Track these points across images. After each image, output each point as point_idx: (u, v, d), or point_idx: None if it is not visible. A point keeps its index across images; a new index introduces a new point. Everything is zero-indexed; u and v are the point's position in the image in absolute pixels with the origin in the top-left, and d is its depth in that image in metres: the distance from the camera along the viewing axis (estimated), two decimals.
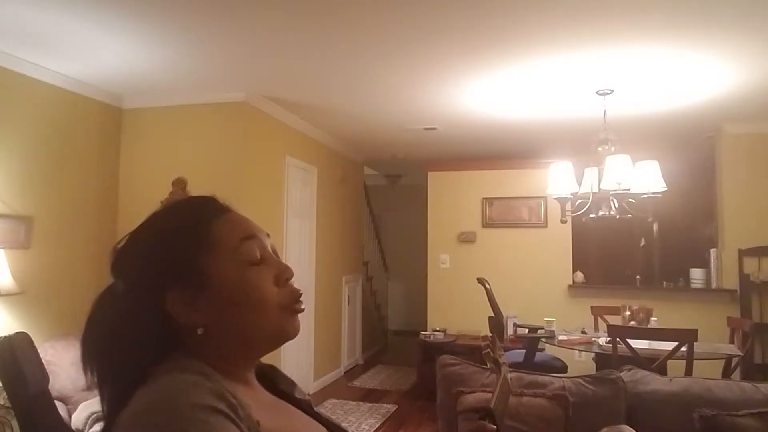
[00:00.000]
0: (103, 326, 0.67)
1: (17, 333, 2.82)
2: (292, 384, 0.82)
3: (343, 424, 0.83)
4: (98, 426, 3.00)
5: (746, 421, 1.75)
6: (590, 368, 4.05)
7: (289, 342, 0.74)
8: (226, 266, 0.68)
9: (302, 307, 0.73)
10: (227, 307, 0.68)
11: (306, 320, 5.09)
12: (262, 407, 0.67)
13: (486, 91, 4.01)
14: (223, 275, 0.68)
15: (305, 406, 0.80)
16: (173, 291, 0.67)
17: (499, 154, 6.20)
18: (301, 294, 0.73)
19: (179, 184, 4.15)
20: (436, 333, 5.41)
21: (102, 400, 0.67)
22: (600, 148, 3.81)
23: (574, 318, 4.91)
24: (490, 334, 1.10)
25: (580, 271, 5.68)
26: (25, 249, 3.42)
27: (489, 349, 1.02)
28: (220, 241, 0.70)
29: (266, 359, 0.79)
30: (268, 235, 0.76)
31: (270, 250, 0.74)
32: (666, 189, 3.64)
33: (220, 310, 0.67)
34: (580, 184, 3.84)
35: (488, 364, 1.01)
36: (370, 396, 5.20)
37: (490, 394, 0.88)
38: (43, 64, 3.49)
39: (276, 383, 0.80)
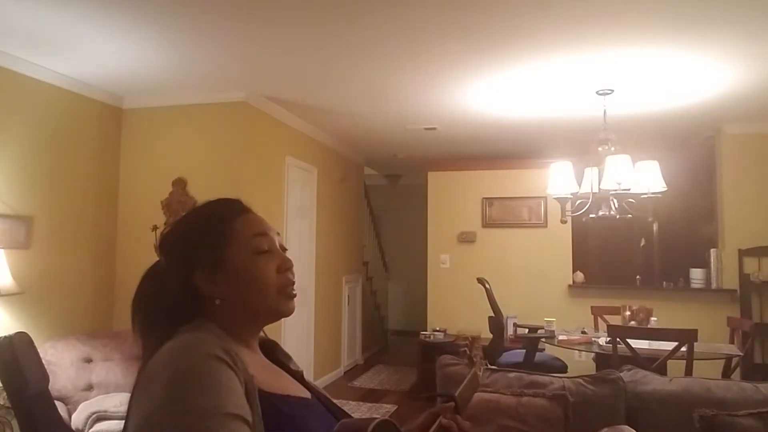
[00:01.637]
0: (149, 291, 0.89)
1: (17, 333, 2.83)
2: (288, 357, 1.00)
3: (327, 394, 1.01)
4: (99, 426, 3.00)
5: (746, 421, 1.76)
6: (590, 368, 4.05)
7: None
8: (240, 254, 0.89)
9: (294, 292, 0.91)
10: (238, 284, 0.87)
11: (306, 320, 5.09)
12: (259, 367, 0.85)
13: (486, 91, 4.01)
14: (237, 260, 0.88)
15: (297, 377, 0.97)
16: (200, 269, 0.87)
17: (499, 154, 6.20)
18: (293, 282, 0.92)
19: (179, 184, 4.15)
20: (436, 333, 5.41)
21: (142, 349, 0.84)
22: (600, 148, 3.81)
23: (574, 318, 4.92)
24: (471, 336, 1.18)
25: (580, 271, 5.68)
26: (25, 249, 3.42)
27: (466, 347, 1.14)
28: (239, 234, 0.90)
29: None
30: (278, 233, 0.96)
31: (277, 245, 0.93)
32: (666, 189, 3.64)
33: (233, 286, 0.87)
34: (580, 184, 3.84)
35: (465, 362, 1.12)
36: (370, 396, 5.20)
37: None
38: (43, 64, 3.49)
39: (275, 354, 0.99)
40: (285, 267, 0.92)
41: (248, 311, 0.88)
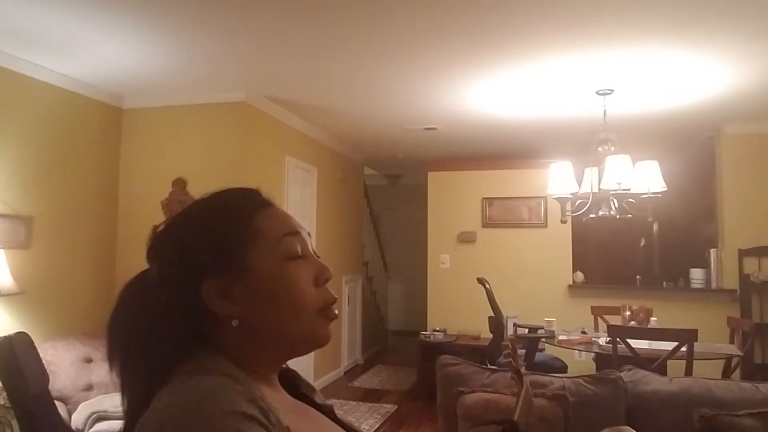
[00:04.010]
0: (135, 314, 0.65)
1: (17, 333, 2.82)
2: (313, 389, 0.80)
3: (361, 425, 0.79)
4: (99, 426, 3.00)
5: (746, 421, 1.75)
6: (590, 368, 4.06)
7: None
8: (266, 258, 0.67)
9: (336, 313, 0.70)
10: (264, 300, 0.66)
11: None
12: (288, 410, 0.64)
13: (486, 91, 4.01)
14: (262, 267, 0.66)
15: (326, 412, 0.77)
16: (210, 280, 0.65)
17: (499, 154, 6.20)
18: (336, 300, 0.71)
19: (179, 184, 4.15)
20: (436, 333, 5.41)
21: (123, 396, 0.64)
22: (600, 148, 3.81)
23: (574, 318, 4.92)
24: (509, 343, 1.04)
25: (580, 271, 5.68)
26: (25, 249, 3.42)
27: (511, 359, 0.98)
28: (262, 233, 0.68)
29: None
30: (309, 234, 0.74)
31: (311, 250, 0.72)
32: (666, 189, 3.64)
33: (256, 303, 0.65)
34: (580, 184, 3.84)
35: (510, 374, 0.99)
36: (370, 396, 5.20)
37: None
38: (43, 64, 3.49)
39: (298, 388, 0.78)
40: (324, 278, 0.70)
41: (275, 337, 0.67)
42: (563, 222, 3.97)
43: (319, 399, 0.78)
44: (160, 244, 0.69)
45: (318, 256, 0.73)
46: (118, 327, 0.66)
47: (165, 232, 0.70)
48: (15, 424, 2.73)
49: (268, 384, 0.68)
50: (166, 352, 0.62)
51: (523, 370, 0.98)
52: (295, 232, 0.70)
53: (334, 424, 0.75)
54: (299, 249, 0.69)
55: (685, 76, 3.63)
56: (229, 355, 0.64)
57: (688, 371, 3.14)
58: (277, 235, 0.68)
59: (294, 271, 0.67)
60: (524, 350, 4.07)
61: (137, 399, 0.61)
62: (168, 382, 0.59)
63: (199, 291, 0.64)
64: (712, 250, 5.02)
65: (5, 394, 2.74)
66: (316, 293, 0.68)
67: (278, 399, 0.66)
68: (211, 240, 0.67)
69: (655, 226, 5.74)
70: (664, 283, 5.38)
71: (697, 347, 3.18)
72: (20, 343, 2.76)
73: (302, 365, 4.97)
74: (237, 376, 0.59)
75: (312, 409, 0.75)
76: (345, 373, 6.04)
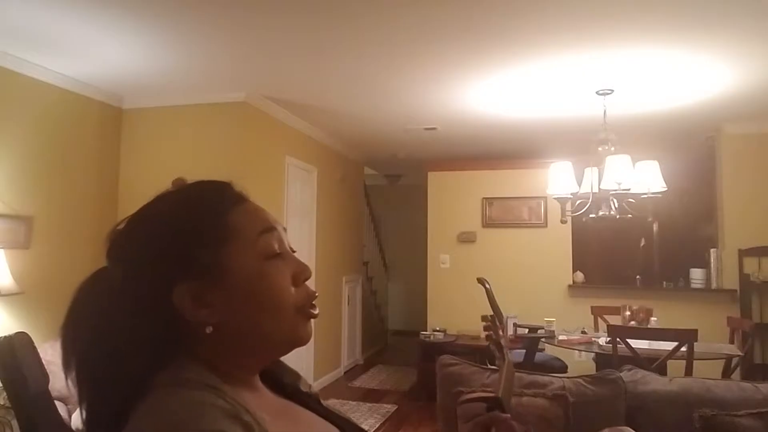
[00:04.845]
0: (96, 321, 0.59)
1: (17, 333, 2.82)
2: (297, 376, 0.76)
3: (351, 418, 0.77)
4: None
5: (746, 421, 1.75)
6: (590, 368, 4.05)
7: None
8: (242, 259, 0.62)
9: (316, 311, 0.67)
10: (241, 303, 0.61)
11: None
12: (274, 416, 0.61)
13: (486, 91, 4.01)
14: (238, 268, 0.62)
15: (312, 401, 0.74)
16: (183, 284, 0.60)
17: (499, 154, 6.19)
18: (316, 296, 0.67)
19: (179, 184, 4.14)
20: (436, 333, 5.40)
21: (82, 405, 0.58)
22: (600, 148, 3.81)
23: (574, 318, 4.91)
24: (488, 315, 0.95)
25: (580, 271, 5.68)
26: (25, 249, 3.42)
27: (491, 331, 0.93)
28: (238, 231, 0.63)
29: None
30: (284, 229, 0.70)
31: (287, 246, 0.68)
32: (666, 189, 3.65)
33: (232, 307, 0.61)
34: (580, 184, 3.84)
35: (490, 346, 0.94)
36: (370, 396, 5.20)
37: (487, 394, 0.82)
38: (43, 64, 3.49)
39: (280, 377, 0.74)
40: (304, 276, 0.67)
41: (255, 341, 0.63)
42: (563, 222, 3.97)
43: (304, 387, 0.75)
44: (125, 243, 0.63)
45: (294, 251, 0.69)
46: (74, 335, 0.61)
47: (131, 231, 0.64)
48: (15, 424, 2.73)
49: (250, 388, 0.64)
50: (135, 361, 0.57)
51: (503, 342, 0.92)
52: (271, 228, 0.66)
53: (322, 420, 0.72)
54: (276, 247, 0.65)
55: (685, 76, 3.63)
56: (206, 360, 0.60)
57: (688, 371, 3.14)
58: (254, 233, 0.64)
59: (272, 270, 0.63)
60: (524, 350, 4.07)
61: (107, 417, 0.56)
62: (145, 393, 0.55)
63: (169, 295, 0.59)
64: (712, 250, 5.02)
65: (5, 394, 2.74)
66: (296, 292, 0.65)
67: (262, 404, 0.62)
68: (183, 240, 0.61)
69: (655, 226, 5.74)
70: (664, 283, 5.38)
71: (697, 347, 3.18)
72: (20, 343, 2.76)
73: (302, 365, 4.97)
74: (217, 387, 0.56)
75: (295, 407, 0.71)
76: (345, 373, 6.04)
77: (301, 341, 0.66)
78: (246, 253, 0.63)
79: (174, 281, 0.60)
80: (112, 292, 0.60)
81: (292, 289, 0.65)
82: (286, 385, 0.74)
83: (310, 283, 0.69)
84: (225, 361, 0.62)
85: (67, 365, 0.60)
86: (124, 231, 0.64)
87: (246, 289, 0.62)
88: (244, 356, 0.64)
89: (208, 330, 0.60)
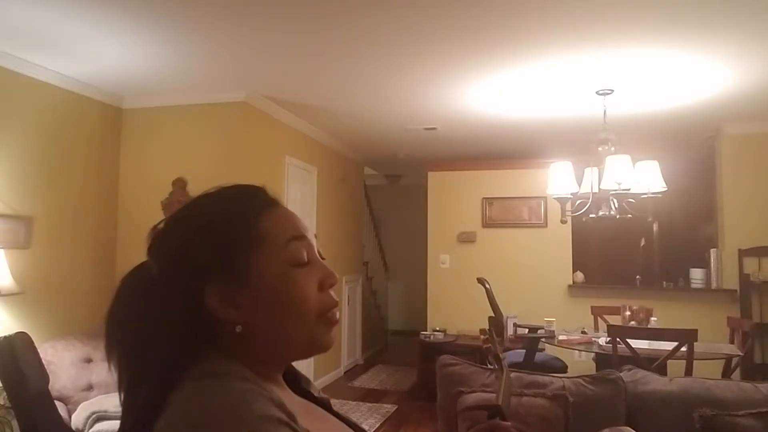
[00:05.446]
0: (135, 310, 0.63)
1: (17, 333, 2.83)
2: (309, 381, 0.79)
3: (361, 425, 0.80)
4: (98, 426, 3.00)
5: (746, 421, 1.75)
6: (590, 368, 4.05)
7: None
8: (271, 264, 0.65)
9: (337, 317, 0.69)
10: (267, 306, 0.64)
11: None
12: (303, 413, 0.62)
13: (486, 91, 4.01)
14: (267, 273, 0.64)
15: (324, 405, 0.77)
16: (213, 285, 0.63)
17: (499, 154, 6.20)
18: (337, 303, 0.69)
19: (179, 184, 4.15)
20: (436, 333, 5.41)
21: (127, 404, 0.61)
22: (600, 148, 3.81)
23: (574, 318, 4.91)
24: (486, 329, 1.09)
25: (580, 271, 5.68)
26: (25, 249, 3.42)
27: (490, 344, 0.99)
28: (269, 237, 0.66)
29: None
30: (315, 236, 0.72)
31: (316, 253, 0.70)
32: (666, 189, 3.64)
33: (259, 309, 0.64)
34: (580, 184, 3.84)
35: (489, 359, 1.03)
36: (370, 396, 5.20)
37: (491, 394, 0.87)
38: (43, 64, 3.49)
39: (299, 383, 0.77)
40: (329, 283, 0.69)
41: (278, 342, 0.65)
42: (563, 222, 3.97)
43: (315, 392, 0.78)
44: (163, 242, 0.66)
45: (323, 258, 0.71)
46: (117, 319, 0.64)
47: (169, 230, 0.67)
48: (15, 424, 2.73)
49: (278, 385, 0.67)
50: (170, 353, 0.60)
51: (501, 354, 0.99)
52: (301, 236, 0.68)
53: (339, 421, 0.75)
54: (305, 255, 0.67)
55: (685, 76, 3.63)
56: (236, 357, 0.62)
57: (688, 371, 3.13)
58: (283, 239, 0.66)
59: (299, 279, 0.66)
60: (524, 350, 4.07)
61: (148, 405, 0.58)
62: (178, 386, 0.57)
63: (201, 294, 0.63)
64: (712, 250, 5.02)
65: (5, 394, 2.74)
66: (320, 298, 0.67)
67: (289, 400, 0.64)
68: (215, 243, 0.64)
69: (655, 226, 5.74)
70: (664, 283, 5.38)
71: (697, 347, 3.18)
72: (20, 343, 2.76)
73: (302, 365, 4.98)
74: (253, 380, 0.58)
75: (319, 408, 0.75)
76: (345, 373, 6.04)
77: (324, 348, 0.68)
78: (274, 258, 0.65)
79: (206, 281, 0.63)
80: (152, 286, 0.63)
81: (317, 295, 0.67)
82: (303, 391, 0.76)
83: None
84: (253, 358, 0.64)
85: (109, 351, 0.63)
86: (162, 231, 0.68)
87: (272, 293, 0.64)
88: (269, 355, 0.66)
89: (238, 329, 0.63)
